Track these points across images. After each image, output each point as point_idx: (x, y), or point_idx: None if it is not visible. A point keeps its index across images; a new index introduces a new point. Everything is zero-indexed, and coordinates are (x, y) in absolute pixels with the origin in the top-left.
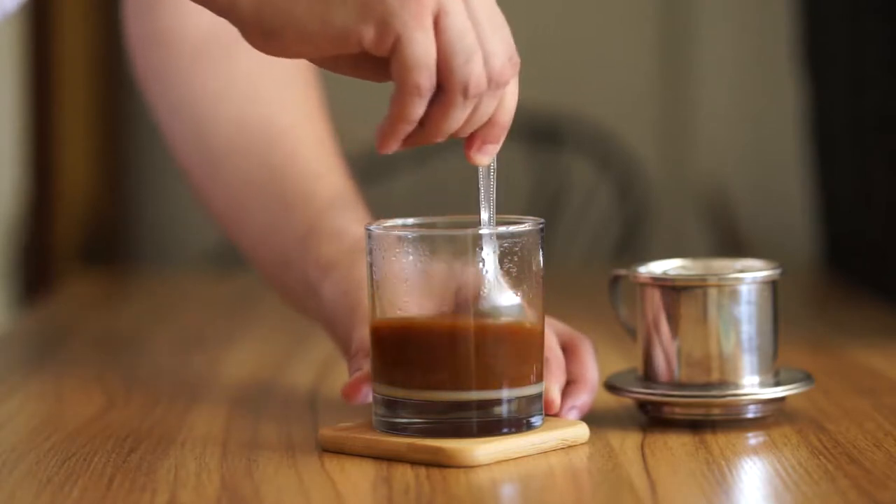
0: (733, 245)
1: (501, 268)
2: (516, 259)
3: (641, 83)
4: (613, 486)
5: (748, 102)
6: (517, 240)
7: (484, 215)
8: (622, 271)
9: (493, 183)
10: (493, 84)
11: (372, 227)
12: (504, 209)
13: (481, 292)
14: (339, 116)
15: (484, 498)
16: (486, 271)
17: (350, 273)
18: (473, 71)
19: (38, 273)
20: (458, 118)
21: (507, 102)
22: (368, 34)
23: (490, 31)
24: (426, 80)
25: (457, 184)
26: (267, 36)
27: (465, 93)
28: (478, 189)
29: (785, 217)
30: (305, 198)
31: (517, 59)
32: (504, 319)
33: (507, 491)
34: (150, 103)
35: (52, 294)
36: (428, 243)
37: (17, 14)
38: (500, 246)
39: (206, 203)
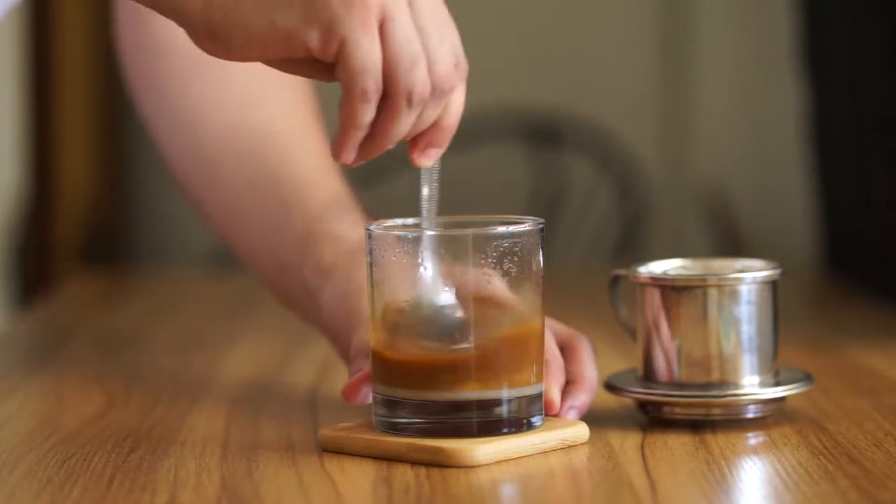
0: (733, 245)
1: (501, 267)
2: (516, 259)
3: (641, 83)
4: (613, 486)
5: (748, 102)
6: (517, 240)
7: (424, 217)
8: (622, 271)
9: (435, 185)
10: (438, 91)
11: (372, 227)
12: (504, 209)
13: (419, 291)
14: (336, 120)
15: (484, 498)
16: (426, 272)
17: (350, 276)
18: (418, 78)
19: (37, 273)
20: (404, 124)
21: (453, 107)
22: (313, 39)
23: (436, 38)
24: (372, 84)
25: (456, 184)
26: (214, 38)
27: (410, 100)
28: (419, 191)
29: (785, 217)
30: (303, 201)
31: (464, 65)
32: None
33: (507, 491)
34: (141, 109)
35: (51, 294)
36: (428, 243)
37: (15, 14)
38: (501, 246)
39: (202, 208)
